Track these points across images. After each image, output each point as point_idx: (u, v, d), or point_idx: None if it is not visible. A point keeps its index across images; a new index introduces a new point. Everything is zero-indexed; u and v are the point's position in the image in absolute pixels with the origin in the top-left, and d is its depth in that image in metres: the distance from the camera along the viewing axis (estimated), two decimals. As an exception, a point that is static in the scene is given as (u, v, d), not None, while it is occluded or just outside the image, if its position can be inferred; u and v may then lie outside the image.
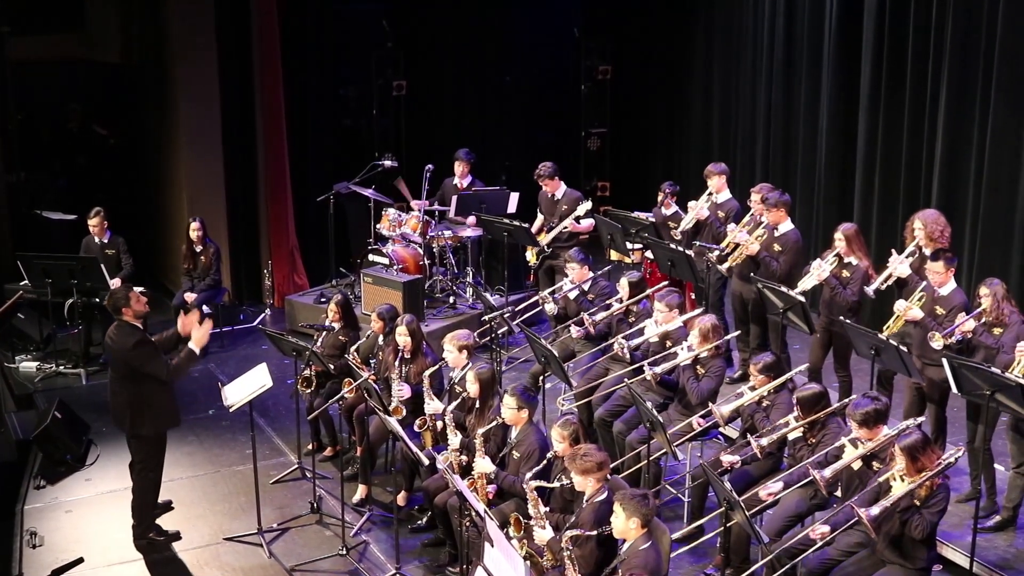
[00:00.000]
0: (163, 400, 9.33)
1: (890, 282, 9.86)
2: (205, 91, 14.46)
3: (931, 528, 7.29)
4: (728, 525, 7.76)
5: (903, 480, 7.28)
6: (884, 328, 9.45)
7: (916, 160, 12.54)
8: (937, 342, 8.84)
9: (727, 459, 8.61)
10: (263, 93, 14.73)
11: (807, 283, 10.28)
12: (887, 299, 10.34)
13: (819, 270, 10.22)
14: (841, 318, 9.75)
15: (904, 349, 8.93)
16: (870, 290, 9.98)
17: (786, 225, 10.92)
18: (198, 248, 13.40)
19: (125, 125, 15.52)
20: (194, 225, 13.34)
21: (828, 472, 7.69)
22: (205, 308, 13.42)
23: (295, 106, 14.97)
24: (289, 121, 14.90)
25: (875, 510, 7.22)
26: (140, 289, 9.86)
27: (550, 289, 11.59)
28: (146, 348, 9.19)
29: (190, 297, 13.21)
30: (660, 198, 12.49)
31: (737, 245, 11.11)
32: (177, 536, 9.66)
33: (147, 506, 9.57)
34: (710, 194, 11.84)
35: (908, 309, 9.24)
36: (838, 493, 7.96)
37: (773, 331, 10.87)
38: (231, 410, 9.63)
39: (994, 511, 9.15)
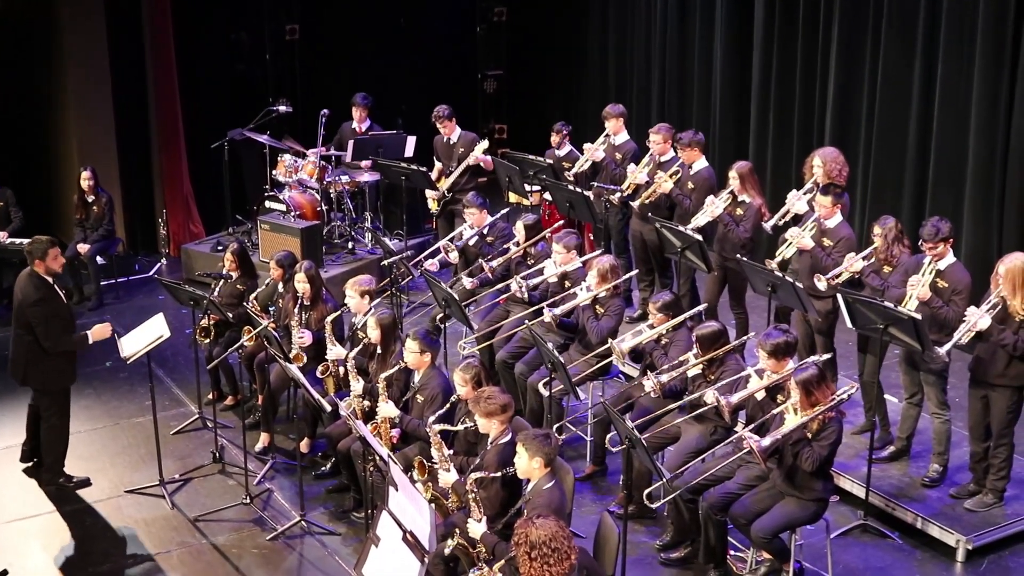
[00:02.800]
0: (53, 360, 9.29)
1: (787, 218, 10.01)
2: (92, 38, 14.13)
3: (822, 460, 7.43)
4: (630, 462, 7.87)
5: (796, 413, 7.42)
6: (776, 254, 9.60)
7: (809, 99, 12.71)
8: (822, 283, 9.00)
9: (649, 384, 8.52)
10: (153, 38, 14.45)
11: (700, 220, 10.38)
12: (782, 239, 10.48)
13: (712, 207, 10.32)
14: (738, 256, 9.87)
15: (799, 285, 9.07)
16: (768, 226, 10.12)
17: (700, 163, 10.98)
18: (90, 198, 13.15)
19: (9, 73, 15.12)
20: (85, 175, 13.07)
21: (734, 398, 7.81)
22: (99, 259, 13.22)
23: (186, 52, 14.71)
24: (180, 67, 14.64)
25: (766, 441, 7.36)
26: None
27: (450, 236, 11.55)
28: (45, 308, 9.16)
29: (83, 248, 12.97)
30: (556, 140, 12.51)
31: (639, 186, 11.18)
32: (87, 482, 9.64)
33: (56, 453, 9.57)
34: (607, 136, 11.87)
35: (800, 237, 9.41)
36: (738, 429, 8.08)
37: (680, 271, 10.99)
38: (128, 362, 9.53)
39: (888, 442, 9.37)
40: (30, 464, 9.82)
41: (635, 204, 11.22)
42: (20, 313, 9.22)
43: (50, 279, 9.24)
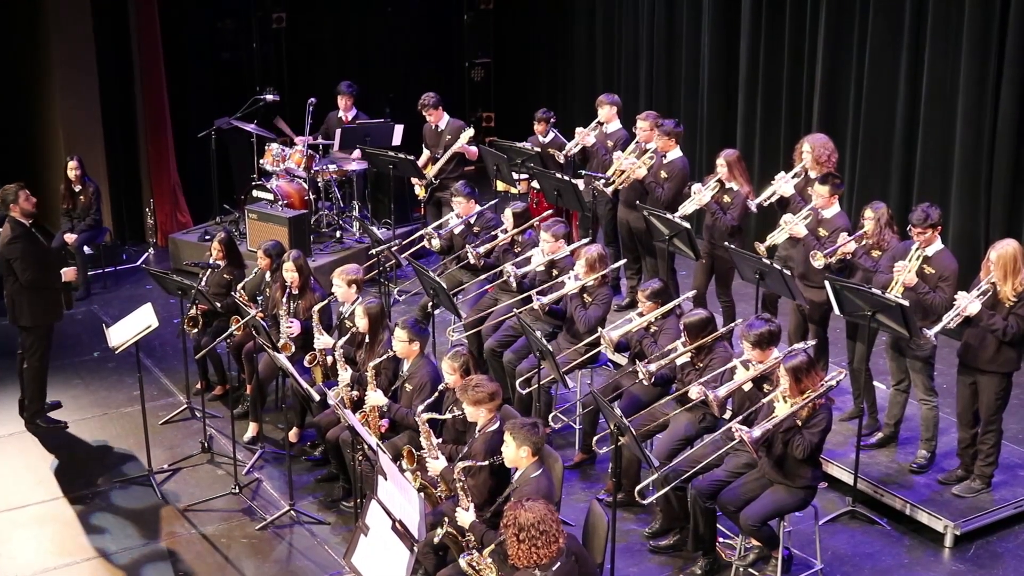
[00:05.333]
0: (44, 295, 9.93)
1: (773, 199, 10.00)
2: (78, 26, 14.06)
3: (812, 448, 7.44)
4: (619, 450, 7.87)
5: (786, 401, 7.42)
6: (767, 237, 9.60)
7: (797, 84, 12.71)
8: (819, 261, 9.01)
9: (644, 369, 8.53)
10: (139, 26, 14.38)
11: (688, 208, 10.38)
12: (769, 226, 10.47)
13: (700, 195, 10.32)
14: (726, 243, 9.87)
15: (788, 272, 9.08)
16: (753, 205, 10.14)
17: (674, 153, 10.97)
18: (76, 188, 13.11)
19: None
20: (71, 164, 13.02)
21: (722, 391, 7.81)
22: (87, 249, 13.18)
23: (172, 40, 14.65)
24: (167, 56, 14.58)
25: (757, 431, 7.35)
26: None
27: (435, 224, 11.55)
28: (20, 244, 9.82)
29: (70, 238, 12.93)
30: (540, 128, 12.50)
31: (624, 172, 11.16)
32: (64, 425, 10.27)
33: (34, 391, 10.15)
34: (600, 123, 11.86)
35: (794, 224, 9.40)
36: (727, 416, 8.08)
37: (660, 258, 10.99)
38: (116, 352, 9.51)
39: (876, 428, 9.39)
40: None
41: (608, 190, 11.23)
42: (2, 256, 9.89)
43: (27, 221, 9.89)
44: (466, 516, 7.22)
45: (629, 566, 8.24)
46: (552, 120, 12.54)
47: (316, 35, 16.07)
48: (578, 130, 11.90)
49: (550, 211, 11.42)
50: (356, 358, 9.23)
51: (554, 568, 6.09)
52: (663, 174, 10.92)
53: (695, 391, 8.13)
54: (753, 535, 7.77)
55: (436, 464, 7.81)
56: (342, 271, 9.60)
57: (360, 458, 8.04)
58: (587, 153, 11.89)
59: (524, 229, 10.62)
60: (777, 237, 9.60)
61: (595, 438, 9.15)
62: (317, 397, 8.75)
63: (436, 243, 11.15)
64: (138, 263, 14.23)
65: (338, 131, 13.39)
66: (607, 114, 11.83)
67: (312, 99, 13.56)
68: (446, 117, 12.91)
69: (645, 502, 8.34)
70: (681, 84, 14.27)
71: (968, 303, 8.17)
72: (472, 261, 10.53)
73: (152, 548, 8.66)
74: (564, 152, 11.97)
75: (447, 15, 17.24)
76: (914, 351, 8.77)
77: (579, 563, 6.47)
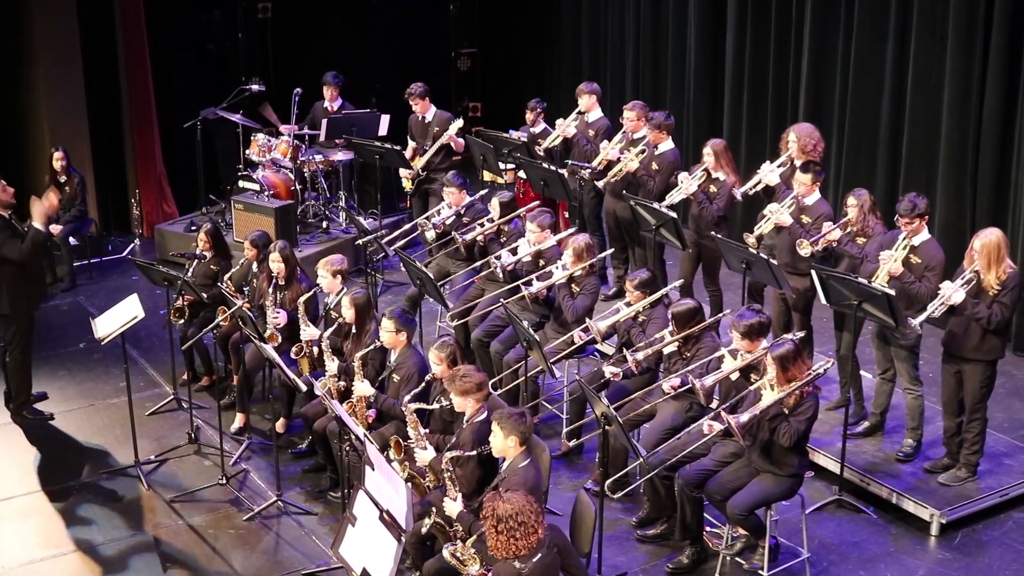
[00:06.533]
0: (22, 283, 9.82)
1: (759, 188, 10.01)
2: (62, 17, 14.00)
3: (798, 435, 7.45)
4: (606, 439, 7.88)
5: (773, 389, 7.43)
6: (755, 228, 9.61)
7: (783, 76, 12.72)
8: (805, 249, 9.03)
9: (609, 371, 8.70)
10: (124, 17, 14.33)
11: (675, 197, 10.38)
12: (755, 216, 10.48)
13: (687, 185, 10.32)
14: (713, 233, 9.88)
15: (774, 262, 9.09)
16: (738, 193, 10.15)
17: (666, 145, 10.96)
18: (62, 179, 13.05)
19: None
20: (56, 155, 12.98)
21: (709, 380, 7.82)
22: (72, 240, 13.15)
23: (158, 31, 14.61)
24: (152, 46, 14.53)
25: (744, 417, 7.37)
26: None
27: (427, 215, 11.53)
28: (2, 233, 9.62)
29: (56, 229, 12.85)
30: (530, 117, 12.49)
31: (611, 162, 11.16)
32: (50, 416, 10.19)
33: (21, 383, 10.10)
34: (581, 113, 11.85)
35: (779, 213, 9.41)
36: (713, 405, 8.09)
37: (648, 248, 10.99)
38: (103, 343, 9.49)
39: (862, 417, 9.42)
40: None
41: (600, 183, 11.23)
42: None
43: (6, 212, 9.73)
44: (454, 506, 7.23)
45: (616, 555, 8.25)
46: (541, 110, 12.52)
47: (302, 25, 16.02)
48: (558, 122, 11.89)
49: (537, 201, 11.42)
50: (343, 348, 9.22)
51: (534, 559, 6.11)
52: (654, 166, 10.91)
53: (667, 386, 8.19)
54: (740, 524, 7.79)
55: (424, 454, 7.81)
56: (326, 262, 9.59)
57: (347, 448, 8.05)
58: (569, 143, 11.87)
59: (511, 219, 10.61)
60: (764, 227, 9.61)
61: (569, 427, 9.17)
62: (304, 388, 8.75)
63: (430, 234, 11.12)
64: (124, 254, 14.20)
65: (324, 121, 13.37)
66: (587, 103, 11.82)
67: (298, 89, 13.53)
68: (433, 108, 12.87)
69: (616, 496, 8.35)
70: (668, 74, 14.26)
71: (952, 292, 8.19)
72: (458, 245, 10.53)
73: (139, 539, 8.65)
74: (545, 145, 11.93)
75: (433, 5, 17.20)
76: (899, 340, 8.79)
77: (562, 555, 6.47)
